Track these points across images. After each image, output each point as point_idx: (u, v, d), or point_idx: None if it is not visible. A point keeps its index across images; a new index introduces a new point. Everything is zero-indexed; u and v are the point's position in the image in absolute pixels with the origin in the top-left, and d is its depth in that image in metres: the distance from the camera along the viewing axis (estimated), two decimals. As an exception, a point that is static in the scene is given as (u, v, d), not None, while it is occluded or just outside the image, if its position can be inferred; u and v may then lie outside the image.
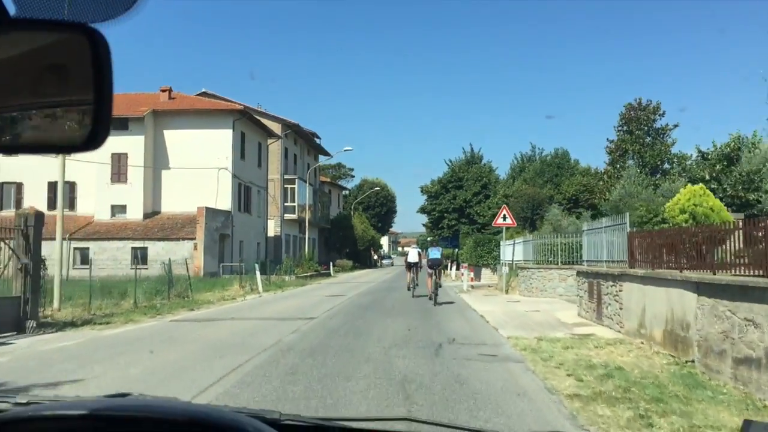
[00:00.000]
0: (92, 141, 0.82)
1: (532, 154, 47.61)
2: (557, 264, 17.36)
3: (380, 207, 64.08)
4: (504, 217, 20.64)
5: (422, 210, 49.88)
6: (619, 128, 23.22)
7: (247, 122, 34.85)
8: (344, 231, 51.36)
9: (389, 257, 75.22)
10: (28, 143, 0.85)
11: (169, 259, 17.92)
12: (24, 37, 0.79)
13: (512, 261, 20.77)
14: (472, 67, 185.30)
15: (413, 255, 19.55)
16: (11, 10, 0.77)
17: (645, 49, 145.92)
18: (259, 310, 14.40)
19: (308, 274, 32.72)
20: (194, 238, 29.46)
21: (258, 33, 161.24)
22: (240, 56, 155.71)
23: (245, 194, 35.62)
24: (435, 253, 16.87)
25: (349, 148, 39.91)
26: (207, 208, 29.90)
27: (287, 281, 26.58)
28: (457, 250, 46.34)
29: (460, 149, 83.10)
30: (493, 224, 22.07)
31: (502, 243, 24.59)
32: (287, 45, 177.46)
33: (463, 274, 31.04)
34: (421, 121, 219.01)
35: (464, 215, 46.63)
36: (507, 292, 20.03)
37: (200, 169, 31.65)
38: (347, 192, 65.80)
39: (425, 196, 49.51)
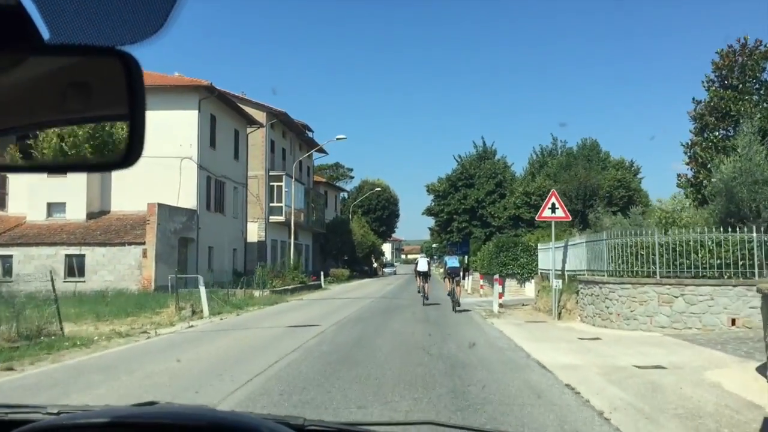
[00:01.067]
0: (128, 158, 0.87)
1: (554, 147, 41.00)
2: (655, 277, 10.53)
3: (382, 210, 58.55)
4: (553, 208, 13.93)
5: (428, 212, 43.93)
6: (713, 82, 16.29)
7: (218, 103, 28.31)
8: (341, 236, 45.96)
9: (392, 265, 70.44)
10: (67, 163, 0.95)
11: (50, 271, 11.15)
12: (57, 61, 0.82)
13: (563, 271, 13.97)
14: (480, 64, 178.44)
15: (423, 264, 19.04)
16: (45, 34, 0.78)
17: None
18: (117, 371, 7.50)
19: (290, 287, 26.03)
20: (143, 243, 22.74)
21: (250, 28, 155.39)
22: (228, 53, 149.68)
23: (217, 190, 29.08)
24: (454, 261, 17.07)
25: (342, 137, 33.28)
26: (160, 205, 23.26)
27: (256, 298, 19.84)
28: (467, 257, 40.72)
29: (470, 145, 76.59)
30: (537, 218, 15.25)
31: (539, 246, 17.87)
32: (287, 44, 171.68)
33: (483, 287, 24.34)
34: (425, 122, 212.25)
35: (476, 216, 40.56)
36: (560, 317, 13.23)
37: (158, 158, 24.88)
38: (345, 195, 60.71)
39: (431, 197, 43.27)
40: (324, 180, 52.15)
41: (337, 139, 33.19)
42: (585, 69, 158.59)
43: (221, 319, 14.45)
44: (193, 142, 26.43)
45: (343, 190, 59.14)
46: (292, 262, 29.94)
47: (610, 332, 10.78)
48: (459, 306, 15.80)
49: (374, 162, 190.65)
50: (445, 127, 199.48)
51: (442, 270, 19.88)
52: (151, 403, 1.22)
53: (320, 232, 44.29)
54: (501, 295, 17.39)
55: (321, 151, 46.76)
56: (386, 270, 63.25)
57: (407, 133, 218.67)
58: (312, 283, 31.19)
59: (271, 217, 35.58)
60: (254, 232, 34.60)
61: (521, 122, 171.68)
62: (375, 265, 59.14)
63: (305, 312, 16.20)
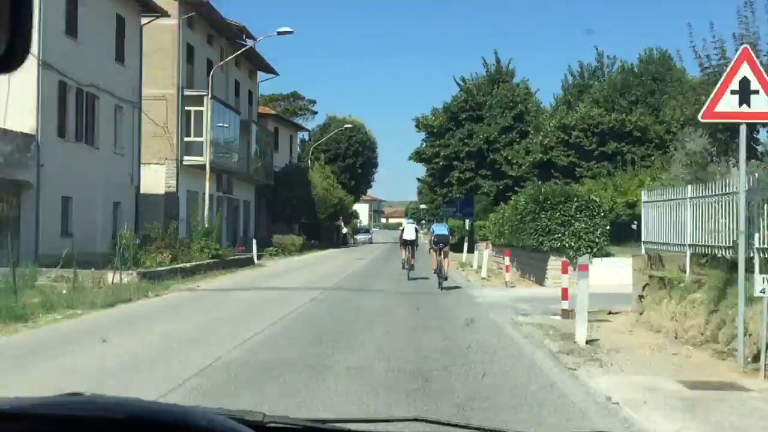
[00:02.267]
0: (9, 59, 0.82)
1: (598, 65, 33.76)
2: None
3: (354, 157, 53.96)
4: (744, 91, 6.11)
5: (417, 156, 38.68)
6: None
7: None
8: (297, 190, 40.65)
9: (367, 231, 65.67)
10: None
11: None
12: None
13: (761, 247, 6.31)
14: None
15: (410, 231, 18.92)
16: None
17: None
18: None
19: (193, 263, 18.60)
20: None
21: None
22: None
23: (82, 108, 21.15)
24: (442, 228, 17.33)
25: (287, 30, 24.79)
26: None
27: (111, 286, 12.57)
28: (471, 221, 37.17)
29: (477, 65, 69.10)
30: (702, 118, 7.04)
31: (649, 198, 10.47)
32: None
33: (508, 269, 17.67)
34: (417, 52, 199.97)
35: (485, 163, 36.32)
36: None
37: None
38: (306, 136, 55.58)
39: (422, 135, 37.57)
40: (274, 112, 45.51)
41: (279, 33, 24.82)
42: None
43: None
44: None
45: (301, 128, 53.99)
46: (206, 223, 22.29)
47: None
48: (446, 280, 15.94)
49: (348, 101, 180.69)
50: (443, 60, 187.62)
51: (428, 241, 18.89)
52: (74, 395, 1.18)
53: (267, 184, 39.33)
54: (566, 292, 9.89)
55: (269, 70, 38.94)
56: (359, 237, 59.94)
57: (393, 65, 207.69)
58: (237, 257, 23.73)
59: (187, 158, 28.59)
60: (159, 179, 27.41)
61: (543, 40, 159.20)
62: (344, 230, 55.78)
63: (124, 340, 8.62)
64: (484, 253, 21.06)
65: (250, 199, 38.14)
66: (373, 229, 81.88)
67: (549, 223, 16.82)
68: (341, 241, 53.08)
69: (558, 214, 16.80)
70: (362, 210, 78.61)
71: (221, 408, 1.20)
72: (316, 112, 61.71)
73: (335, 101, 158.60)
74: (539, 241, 16.87)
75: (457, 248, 36.68)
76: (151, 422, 0.97)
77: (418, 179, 45.29)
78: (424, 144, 39.26)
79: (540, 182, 26.86)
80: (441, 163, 37.48)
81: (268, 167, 39.39)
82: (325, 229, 46.55)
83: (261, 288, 16.26)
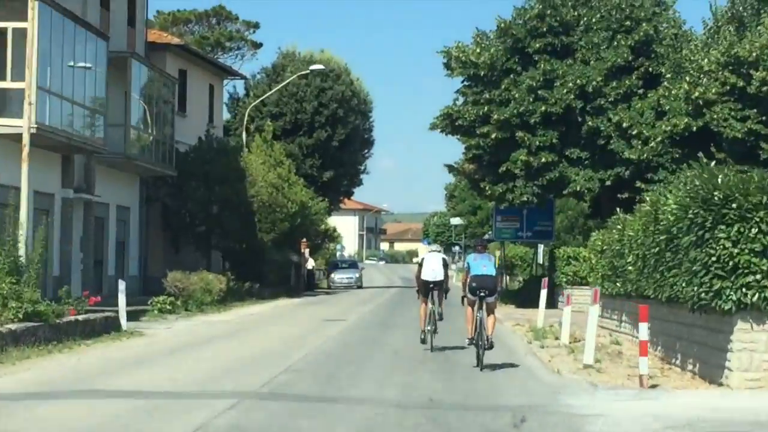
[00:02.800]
0: None
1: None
2: None
3: (330, 127, 57.53)
4: None
5: (446, 122, 37.68)
6: None
7: None
8: (221, 188, 41.99)
9: (353, 265, 70.24)
10: None
11: None
12: None
13: None
14: None
15: (434, 264, 20.30)
16: None
17: None
18: None
19: None
20: None
21: None
22: None
23: None
24: (485, 264, 17.86)
25: None
26: None
27: None
28: (549, 245, 38.38)
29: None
30: None
31: None
32: None
33: (646, 346, 17.22)
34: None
35: (577, 137, 36.23)
36: None
37: None
38: (242, 88, 59.68)
39: (458, 82, 37.94)
40: (178, 42, 45.71)
41: None
42: None
43: None
44: None
45: (231, 72, 55.77)
46: (20, 250, 23.00)
47: None
48: (491, 349, 17.02)
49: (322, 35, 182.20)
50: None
51: (461, 282, 19.97)
52: None
53: (163, 175, 40.65)
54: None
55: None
56: (337, 277, 64.04)
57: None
58: (85, 316, 23.23)
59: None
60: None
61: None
62: (310, 265, 59.00)
63: None
64: (591, 313, 18.45)
65: (130, 202, 38.31)
66: (367, 261, 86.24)
67: (735, 251, 14.40)
68: (304, 285, 55.70)
69: (755, 230, 13.99)
70: (346, 225, 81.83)
71: None
72: (259, 45, 65.31)
73: (296, 31, 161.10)
74: (712, 289, 14.70)
75: (526, 300, 35.09)
76: None
77: (449, 167, 43.14)
78: (461, 99, 38.60)
79: (696, 167, 24.52)
80: (493, 136, 36.32)
81: (167, 144, 39.79)
82: (271, 262, 47.73)
83: (102, 394, 13.84)
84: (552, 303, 32.30)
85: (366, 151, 63.69)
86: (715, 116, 30.44)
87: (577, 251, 34.55)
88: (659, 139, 32.28)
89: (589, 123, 35.07)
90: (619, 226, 23.43)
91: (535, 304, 29.81)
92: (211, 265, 42.34)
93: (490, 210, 38.62)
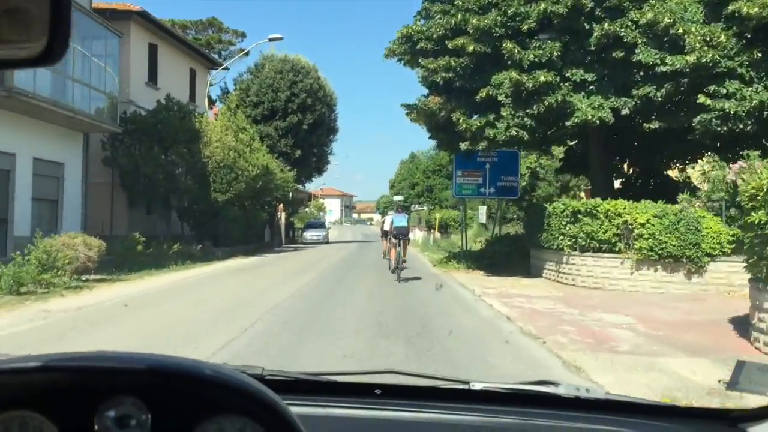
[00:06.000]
0: (50, 53, 1.30)
1: None
2: None
3: (301, 113, 62.35)
4: None
5: (405, 45, 29.15)
6: None
7: None
8: (175, 147, 41.58)
9: (321, 225, 77.47)
10: None
11: None
12: None
13: None
14: None
15: (402, 221, 27.77)
16: None
17: None
18: None
19: None
20: None
21: None
22: None
23: None
24: (401, 218, 27.48)
25: None
26: None
27: None
28: (485, 208, 43.80)
29: None
30: None
31: None
32: None
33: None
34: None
35: (585, 47, 26.35)
36: None
37: None
38: (226, 79, 64.72)
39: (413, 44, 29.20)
40: (137, 9, 42.61)
41: None
42: None
43: None
44: None
45: (211, 61, 57.77)
46: None
47: None
48: (405, 263, 27.37)
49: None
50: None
51: (386, 228, 30.69)
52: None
53: (111, 131, 38.29)
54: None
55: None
56: (308, 234, 71.37)
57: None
58: None
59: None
60: None
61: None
62: (281, 220, 63.44)
63: None
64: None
65: (63, 158, 33.08)
66: (344, 224, 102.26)
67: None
68: (279, 241, 61.47)
69: None
70: (333, 205, 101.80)
71: (226, 363, 2.36)
72: (247, 53, 66.00)
73: (281, 42, 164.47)
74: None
75: (491, 265, 31.29)
76: (167, 372, 1.63)
77: (407, 108, 31.38)
78: (420, 17, 29.70)
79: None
80: (470, 49, 26.36)
81: (114, 100, 36.19)
82: (233, 223, 46.92)
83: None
84: (528, 270, 29.44)
85: (332, 136, 68.57)
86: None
87: (596, 204, 24.50)
88: (728, 35, 22.62)
89: (606, 26, 24.78)
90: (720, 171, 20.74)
91: (508, 272, 28.72)
92: (170, 225, 42.03)
93: (452, 163, 35.42)
